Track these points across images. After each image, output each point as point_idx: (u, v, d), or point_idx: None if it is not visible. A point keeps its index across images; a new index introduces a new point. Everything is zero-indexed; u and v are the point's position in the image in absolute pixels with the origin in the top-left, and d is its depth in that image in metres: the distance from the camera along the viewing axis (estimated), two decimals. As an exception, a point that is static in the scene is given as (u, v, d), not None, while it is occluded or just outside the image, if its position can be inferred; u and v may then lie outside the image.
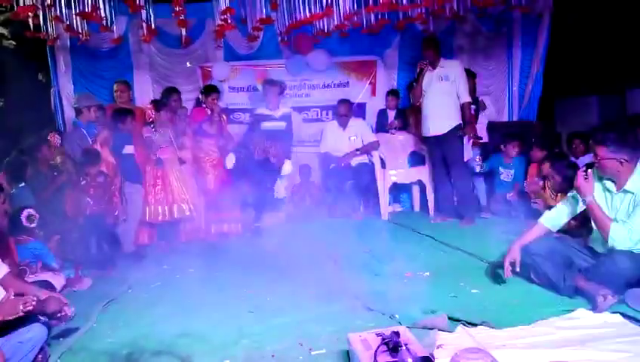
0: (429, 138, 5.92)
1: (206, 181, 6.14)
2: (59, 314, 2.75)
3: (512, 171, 6.06)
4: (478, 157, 6.22)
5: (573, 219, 3.64)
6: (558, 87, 7.10)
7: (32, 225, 4.23)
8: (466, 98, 5.71)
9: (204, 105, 6.27)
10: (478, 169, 6.19)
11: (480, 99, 6.70)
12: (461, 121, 5.73)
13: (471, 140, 5.89)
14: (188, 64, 7.19)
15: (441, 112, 5.73)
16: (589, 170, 3.34)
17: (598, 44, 6.60)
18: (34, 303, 2.49)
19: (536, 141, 5.97)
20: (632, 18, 6.23)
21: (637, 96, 7.45)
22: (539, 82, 7.01)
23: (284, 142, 6.24)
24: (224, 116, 6.47)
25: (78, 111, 5.69)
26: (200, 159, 6.15)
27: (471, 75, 6.32)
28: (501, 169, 6.14)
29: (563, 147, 6.50)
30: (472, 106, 6.14)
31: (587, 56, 6.72)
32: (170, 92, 6.35)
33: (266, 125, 6.20)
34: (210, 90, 6.28)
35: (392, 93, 7.04)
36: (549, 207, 4.02)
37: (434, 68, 5.75)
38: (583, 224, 3.87)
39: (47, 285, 3.56)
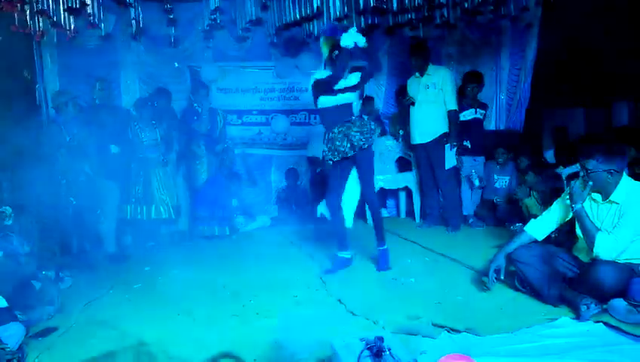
0: (416, 145, 5.92)
1: (192, 182, 6.10)
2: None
3: (507, 178, 6.04)
4: (476, 174, 5.99)
5: (559, 227, 3.65)
6: (545, 98, 7.13)
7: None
8: (453, 106, 5.70)
9: (195, 105, 6.26)
10: (477, 183, 6.01)
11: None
12: (448, 129, 5.73)
13: (454, 148, 5.84)
14: (176, 64, 7.13)
15: (428, 120, 5.72)
16: (590, 182, 3.27)
17: (587, 56, 6.65)
18: None
19: (522, 150, 5.97)
20: (620, 31, 6.29)
21: (622, 109, 7.56)
22: (526, 92, 7.02)
23: None
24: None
25: (58, 108, 5.59)
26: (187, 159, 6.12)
27: (477, 78, 6.14)
28: (496, 176, 6.11)
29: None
30: (482, 112, 6.10)
31: (575, 68, 6.77)
32: (158, 92, 6.32)
33: None
34: (199, 87, 6.46)
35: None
36: (534, 216, 4.03)
37: (422, 75, 5.75)
38: (568, 233, 3.88)
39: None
